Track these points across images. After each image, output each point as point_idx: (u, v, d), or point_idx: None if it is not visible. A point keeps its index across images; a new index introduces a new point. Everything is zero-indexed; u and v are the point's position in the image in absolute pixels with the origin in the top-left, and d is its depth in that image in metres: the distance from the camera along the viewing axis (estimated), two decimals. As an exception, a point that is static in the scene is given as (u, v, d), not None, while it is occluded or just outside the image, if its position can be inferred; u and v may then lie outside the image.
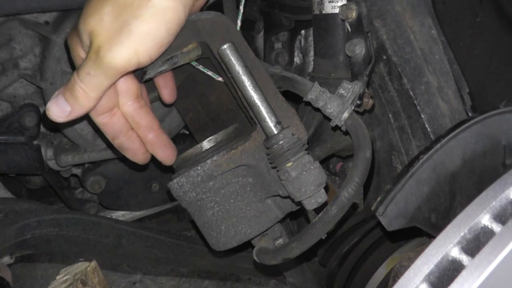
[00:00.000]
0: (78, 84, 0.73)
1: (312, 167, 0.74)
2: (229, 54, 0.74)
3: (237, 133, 0.84)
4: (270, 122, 0.75)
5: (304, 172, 0.74)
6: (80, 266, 0.73)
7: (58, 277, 0.72)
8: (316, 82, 0.83)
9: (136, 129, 0.83)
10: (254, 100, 0.75)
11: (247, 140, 0.79)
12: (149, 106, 0.85)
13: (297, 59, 1.26)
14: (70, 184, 1.41)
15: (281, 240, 0.87)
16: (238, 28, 0.88)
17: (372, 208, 0.75)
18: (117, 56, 0.70)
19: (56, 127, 1.22)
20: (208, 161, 0.77)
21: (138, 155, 0.85)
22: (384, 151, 1.07)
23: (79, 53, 0.77)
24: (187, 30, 0.82)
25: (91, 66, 0.72)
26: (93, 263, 0.73)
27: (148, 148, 0.85)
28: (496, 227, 0.50)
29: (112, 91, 0.78)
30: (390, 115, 1.03)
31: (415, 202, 0.76)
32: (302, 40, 1.24)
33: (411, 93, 0.99)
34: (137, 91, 0.81)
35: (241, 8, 0.91)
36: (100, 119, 0.80)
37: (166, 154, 0.85)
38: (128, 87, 0.80)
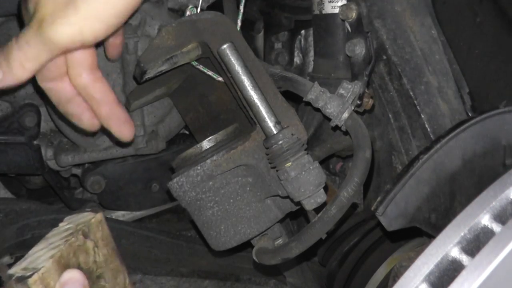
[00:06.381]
0: (15, 51, 0.68)
1: (311, 167, 0.74)
2: (229, 54, 0.74)
3: (237, 133, 0.84)
4: (270, 122, 0.75)
5: (303, 172, 0.74)
6: (85, 217, 0.66)
7: (61, 224, 0.66)
8: (316, 82, 0.83)
9: (89, 101, 0.77)
10: (254, 100, 0.75)
11: (246, 140, 0.79)
12: (104, 78, 0.79)
13: (297, 59, 1.26)
14: (70, 184, 1.41)
15: (280, 240, 0.87)
16: (238, 28, 0.88)
17: (372, 208, 0.75)
18: (60, 32, 0.65)
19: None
20: (208, 161, 0.77)
21: (83, 121, 0.79)
22: (384, 151, 1.07)
23: (26, 18, 0.71)
24: (187, 30, 0.82)
25: (31, 35, 0.66)
26: (99, 215, 0.65)
27: (103, 123, 0.79)
28: (496, 227, 0.50)
29: (62, 59, 0.73)
30: (390, 115, 1.03)
31: (415, 202, 0.76)
32: (302, 40, 1.24)
33: (411, 93, 0.99)
34: (92, 63, 0.76)
35: (241, 8, 0.91)
36: (45, 84, 0.75)
37: (121, 129, 0.80)
38: (83, 58, 0.74)
